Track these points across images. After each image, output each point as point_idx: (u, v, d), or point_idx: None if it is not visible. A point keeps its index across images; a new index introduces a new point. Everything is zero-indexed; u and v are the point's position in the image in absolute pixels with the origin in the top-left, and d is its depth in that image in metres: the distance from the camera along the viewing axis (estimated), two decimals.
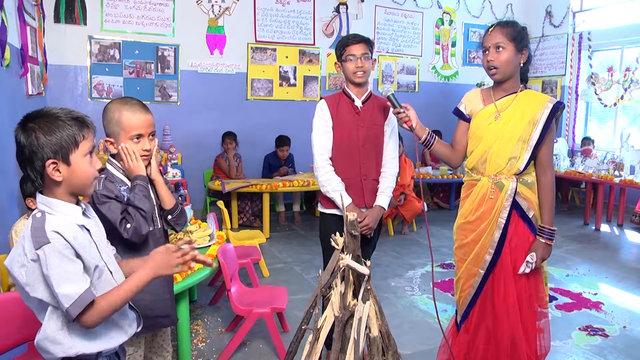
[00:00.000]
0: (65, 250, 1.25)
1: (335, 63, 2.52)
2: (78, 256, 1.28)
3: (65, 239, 1.25)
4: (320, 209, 2.58)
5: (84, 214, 1.38)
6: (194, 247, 1.45)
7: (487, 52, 2.05)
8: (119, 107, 1.74)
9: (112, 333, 1.40)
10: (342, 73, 2.49)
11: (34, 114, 1.31)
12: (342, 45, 2.43)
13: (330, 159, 2.47)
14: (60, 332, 1.30)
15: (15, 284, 1.32)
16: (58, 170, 1.29)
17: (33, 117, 1.30)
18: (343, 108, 2.47)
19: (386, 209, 2.50)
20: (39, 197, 1.32)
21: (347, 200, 2.37)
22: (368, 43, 2.42)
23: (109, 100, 1.83)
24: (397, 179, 5.47)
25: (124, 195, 1.72)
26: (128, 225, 1.67)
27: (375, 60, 2.53)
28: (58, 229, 1.25)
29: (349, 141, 2.45)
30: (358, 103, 2.47)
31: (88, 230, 1.37)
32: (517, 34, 2.02)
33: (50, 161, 1.28)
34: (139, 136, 1.75)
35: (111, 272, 1.41)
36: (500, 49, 2.01)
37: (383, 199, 2.49)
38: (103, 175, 1.73)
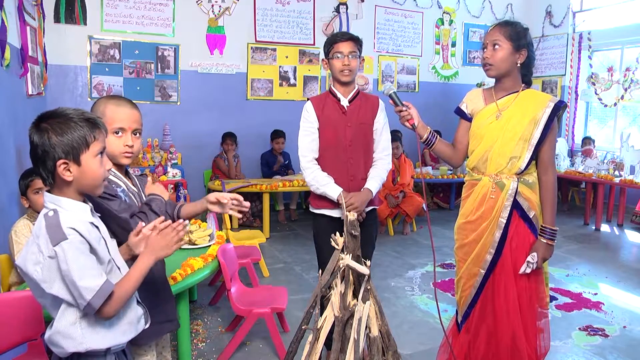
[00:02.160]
0: (82, 246, 1.29)
1: (323, 60, 2.52)
2: (92, 251, 1.33)
3: (81, 235, 1.30)
4: (311, 209, 2.58)
5: (92, 211, 1.41)
6: (184, 225, 1.47)
7: (485, 49, 2.08)
8: (106, 101, 1.72)
9: (122, 329, 1.43)
10: (329, 71, 2.49)
11: (48, 114, 1.34)
12: (330, 43, 2.43)
13: (317, 159, 2.48)
14: (72, 327, 1.34)
15: (27, 282, 1.36)
16: (69, 170, 1.33)
17: (47, 117, 1.33)
18: (329, 108, 2.47)
19: (374, 193, 2.46)
20: (48, 196, 1.36)
21: (338, 190, 2.37)
22: (357, 42, 2.42)
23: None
24: (397, 179, 5.44)
25: (122, 196, 1.69)
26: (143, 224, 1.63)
27: (363, 59, 2.53)
28: (74, 225, 1.30)
29: (335, 141, 2.44)
30: (344, 102, 2.46)
31: (97, 227, 1.40)
32: (515, 34, 2.03)
33: (61, 161, 1.31)
34: (121, 130, 1.68)
35: (119, 268, 1.44)
36: (497, 46, 2.03)
37: (372, 184, 2.45)
38: (106, 177, 1.70)
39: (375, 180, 2.47)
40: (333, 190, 2.37)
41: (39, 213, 2.49)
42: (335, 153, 2.45)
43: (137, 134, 1.74)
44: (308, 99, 2.57)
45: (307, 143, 2.47)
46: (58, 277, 1.28)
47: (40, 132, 1.31)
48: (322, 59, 2.53)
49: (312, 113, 2.47)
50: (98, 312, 1.32)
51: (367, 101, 2.50)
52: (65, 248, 1.26)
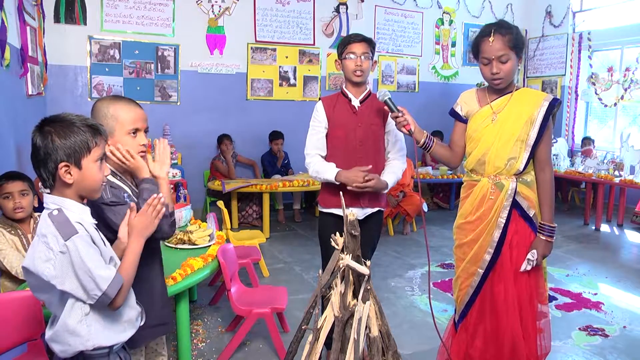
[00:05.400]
0: (89, 239, 1.34)
1: (336, 60, 2.53)
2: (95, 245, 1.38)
3: (86, 229, 1.35)
4: (319, 208, 2.59)
5: (91, 214, 1.45)
6: (159, 198, 1.50)
7: (488, 63, 2.03)
8: (112, 102, 1.69)
9: (124, 326, 1.47)
10: (342, 71, 2.50)
11: (51, 118, 1.38)
12: (344, 43, 2.44)
13: (327, 158, 2.48)
14: (79, 325, 1.36)
15: (31, 282, 1.38)
16: (69, 173, 1.36)
17: (50, 121, 1.37)
18: (340, 108, 2.47)
19: (389, 186, 2.46)
20: (50, 197, 1.39)
21: (334, 172, 2.37)
22: (370, 43, 2.43)
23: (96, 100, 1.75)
24: None
25: (128, 202, 1.67)
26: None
27: (375, 62, 2.54)
28: (80, 220, 1.35)
29: (346, 141, 2.45)
30: (355, 102, 2.47)
31: (97, 228, 1.44)
32: (516, 41, 2.00)
33: (62, 164, 1.35)
34: (136, 130, 1.70)
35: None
36: (505, 61, 2.00)
37: (389, 177, 2.45)
38: (104, 182, 1.66)
39: (392, 175, 2.47)
40: (330, 173, 2.38)
41: (8, 219, 2.50)
42: (346, 153, 2.46)
43: (147, 132, 1.77)
44: (320, 99, 2.58)
45: (313, 141, 2.49)
46: (70, 272, 1.31)
47: (44, 135, 1.35)
48: (336, 60, 2.54)
49: (322, 112, 2.48)
50: (110, 303, 1.36)
51: (379, 102, 2.50)
52: (76, 242, 1.30)
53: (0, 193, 2.46)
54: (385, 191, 2.52)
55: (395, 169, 2.51)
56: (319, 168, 2.43)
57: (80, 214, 1.38)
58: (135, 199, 1.74)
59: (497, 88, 2.09)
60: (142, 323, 1.57)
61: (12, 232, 2.46)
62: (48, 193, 1.40)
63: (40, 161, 1.36)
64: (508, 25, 2.04)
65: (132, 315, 1.50)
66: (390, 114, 2.21)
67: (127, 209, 1.65)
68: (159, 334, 1.87)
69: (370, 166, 2.39)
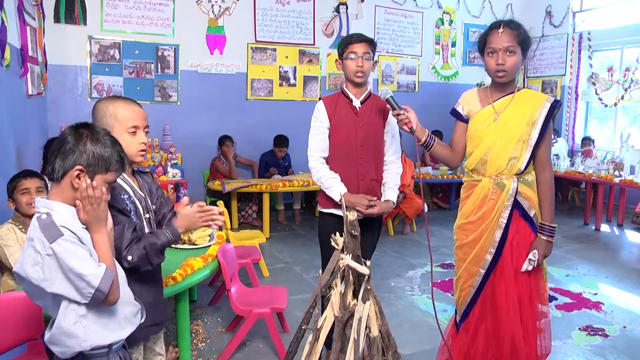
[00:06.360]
0: (75, 239, 1.34)
1: (336, 60, 2.52)
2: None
3: (72, 232, 1.34)
4: (319, 208, 2.59)
5: None
6: (89, 186, 1.39)
7: (494, 53, 2.03)
8: (112, 101, 1.71)
9: (121, 323, 1.47)
10: (342, 71, 2.50)
11: (92, 127, 1.43)
12: (345, 43, 2.43)
13: (327, 158, 2.48)
14: (75, 326, 1.37)
15: (24, 286, 1.38)
16: (79, 178, 1.37)
17: (89, 128, 1.42)
18: (341, 108, 2.47)
19: (395, 203, 2.51)
20: (40, 201, 1.39)
21: (339, 192, 2.36)
22: (371, 44, 2.43)
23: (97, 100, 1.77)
24: None
25: (127, 205, 1.67)
26: (130, 258, 1.60)
27: (376, 62, 2.53)
28: (66, 224, 1.34)
29: (347, 141, 2.45)
30: (356, 103, 2.46)
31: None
32: (524, 37, 2.02)
33: (79, 167, 1.37)
34: (135, 128, 1.71)
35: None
36: (511, 52, 2.00)
37: (392, 194, 2.49)
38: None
39: (394, 190, 2.51)
40: (335, 192, 2.38)
41: (22, 215, 2.52)
42: (347, 153, 2.45)
43: (147, 131, 1.78)
44: (320, 98, 2.57)
45: (316, 142, 2.47)
46: (59, 273, 1.31)
47: (78, 134, 1.38)
48: (336, 60, 2.53)
49: (324, 112, 2.47)
50: (105, 300, 1.35)
51: (379, 102, 2.50)
52: (62, 244, 1.30)
53: (18, 189, 2.51)
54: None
55: (394, 179, 2.53)
56: (324, 182, 2.42)
57: (69, 218, 1.38)
58: (136, 200, 1.74)
59: (500, 82, 2.07)
60: (142, 320, 1.56)
61: (24, 230, 2.47)
62: (43, 197, 1.41)
63: (63, 153, 1.37)
64: (517, 22, 2.05)
65: (129, 311, 1.50)
66: (391, 112, 2.21)
67: (126, 221, 1.63)
68: (152, 333, 1.88)
69: (375, 198, 2.42)
